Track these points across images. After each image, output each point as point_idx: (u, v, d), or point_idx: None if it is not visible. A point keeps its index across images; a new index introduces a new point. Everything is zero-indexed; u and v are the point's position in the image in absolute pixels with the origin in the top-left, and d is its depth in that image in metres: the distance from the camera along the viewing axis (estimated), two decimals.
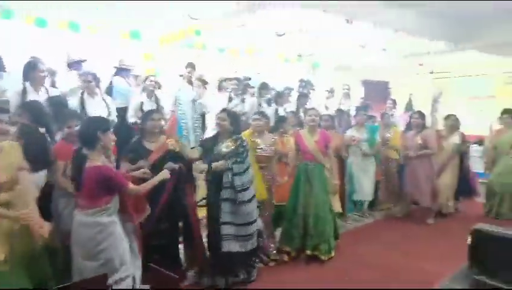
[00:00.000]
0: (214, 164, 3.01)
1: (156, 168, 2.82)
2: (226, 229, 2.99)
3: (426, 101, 9.83)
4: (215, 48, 6.79)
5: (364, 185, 5.05)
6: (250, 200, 3.07)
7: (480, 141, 7.52)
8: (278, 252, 3.76)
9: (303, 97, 5.87)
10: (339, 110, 6.01)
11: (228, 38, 6.58)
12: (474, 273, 2.28)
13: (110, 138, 2.48)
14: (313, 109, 4.24)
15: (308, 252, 3.72)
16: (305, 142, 3.84)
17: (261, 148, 3.63)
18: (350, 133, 5.04)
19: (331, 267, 3.63)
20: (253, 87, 5.82)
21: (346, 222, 4.92)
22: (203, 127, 5.39)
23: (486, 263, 2.42)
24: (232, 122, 3.16)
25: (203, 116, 5.40)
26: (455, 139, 5.28)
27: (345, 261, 3.75)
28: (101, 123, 2.52)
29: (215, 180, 3.07)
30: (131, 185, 2.41)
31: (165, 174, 2.72)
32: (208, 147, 3.19)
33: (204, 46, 6.58)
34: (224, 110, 3.36)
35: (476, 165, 7.25)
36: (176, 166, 2.93)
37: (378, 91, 9.72)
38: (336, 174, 4.26)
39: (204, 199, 3.95)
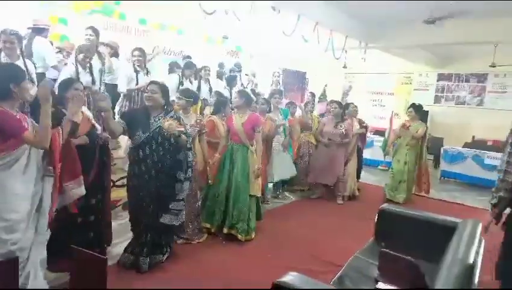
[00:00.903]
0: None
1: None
2: (180, 205, 3.04)
3: (338, 94, 10.65)
4: (135, 20, 6.34)
5: (280, 165, 5.22)
6: None
7: (380, 132, 8.42)
8: (199, 231, 3.77)
9: (232, 79, 5.87)
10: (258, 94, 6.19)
11: (151, 11, 6.24)
12: (380, 247, 2.58)
13: (26, 89, 2.19)
14: (239, 91, 4.27)
15: (225, 230, 3.79)
16: (233, 123, 3.89)
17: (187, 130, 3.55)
18: (269, 116, 5.17)
19: (251, 245, 3.76)
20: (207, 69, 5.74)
21: (266, 203, 5.13)
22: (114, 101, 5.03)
23: (390, 237, 2.78)
24: (164, 94, 3.00)
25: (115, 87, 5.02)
26: (356, 125, 5.82)
27: (265, 239, 3.92)
28: (14, 73, 2.19)
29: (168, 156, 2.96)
30: (27, 133, 2.10)
31: (84, 139, 2.67)
32: (137, 121, 2.94)
33: (123, 16, 6.10)
34: (154, 82, 3.13)
35: (376, 153, 8.16)
36: (109, 138, 2.82)
37: (296, 80, 10.19)
38: (261, 158, 4.38)
39: (122, 178, 3.76)
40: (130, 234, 3.19)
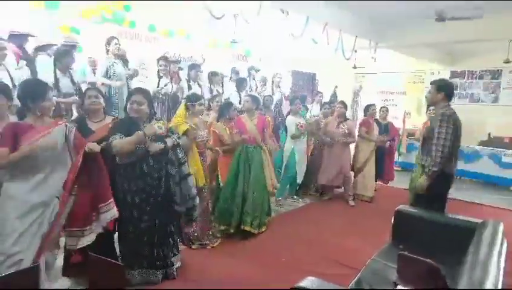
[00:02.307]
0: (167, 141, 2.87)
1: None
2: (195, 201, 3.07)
3: (348, 94, 10.59)
4: (145, 27, 6.41)
5: (297, 167, 5.24)
6: None
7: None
8: (212, 236, 3.78)
9: (241, 82, 5.92)
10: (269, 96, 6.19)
11: (160, 18, 6.30)
12: (398, 249, 2.53)
13: (47, 105, 2.35)
14: (252, 95, 4.34)
15: (247, 228, 3.92)
16: (246, 126, 4.00)
17: (202, 135, 3.63)
18: (292, 119, 5.20)
19: (266, 249, 3.75)
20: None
21: (280, 205, 5.13)
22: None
23: (407, 239, 2.73)
24: (149, 104, 2.86)
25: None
26: (377, 127, 5.79)
27: (279, 242, 3.91)
28: (32, 90, 2.35)
29: (163, 158, 2.87)
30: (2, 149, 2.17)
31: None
32: (127, 132, 2.71)
33: (133, 24, 6.17)
34: (138, 91, 2.90)
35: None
36: (98, 147, 2.57)
37: (305, 81, 10.16)
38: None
39: None
40: None
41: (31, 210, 2.21)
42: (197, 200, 3.09)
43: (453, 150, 3.25)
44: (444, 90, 3.34)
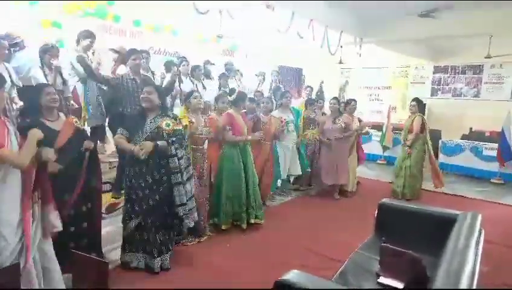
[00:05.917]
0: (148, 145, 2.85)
1: (65, 150, 2.53)
2: (184, 210, 3.01)
3: (334, 89, 10.66)
4: (129, 22, 6.31)
5: (293, 162, 5.27)
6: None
7: (378, 127, 8.42)
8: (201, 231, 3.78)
9: (224, 77, 5.89)
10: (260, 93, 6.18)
11: (145, 12, 6.21)
12: (381, 241, 2.59)
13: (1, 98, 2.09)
14: (238, 91, 4.35)
15: (253, 220, 4.08)
16: (238, 121, 4.03)
17: (200, 131, 3.63)
18: (277, 114, 5.17)
19: (253, 243, 3.79)
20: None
21: (272, 200, 5.19)
22: None
23: (390, 231, 2.78)
24: (160, 95, 3.03)
25: None
26: (356, 122, 5.81)
27: (266, 237, 3.96)
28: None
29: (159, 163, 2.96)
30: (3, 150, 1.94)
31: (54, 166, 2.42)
32: (136, 125, 2.96)
33: (117, 18, 6.07)
34: (148, 83, 3.24)
35: (374, 147, 8.18)
36: (92, 144, 2.75)
37: (292, 77, 10.19)
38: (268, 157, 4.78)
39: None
40: None
41: None
42: (186, 209, 3.03)
43: None
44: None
